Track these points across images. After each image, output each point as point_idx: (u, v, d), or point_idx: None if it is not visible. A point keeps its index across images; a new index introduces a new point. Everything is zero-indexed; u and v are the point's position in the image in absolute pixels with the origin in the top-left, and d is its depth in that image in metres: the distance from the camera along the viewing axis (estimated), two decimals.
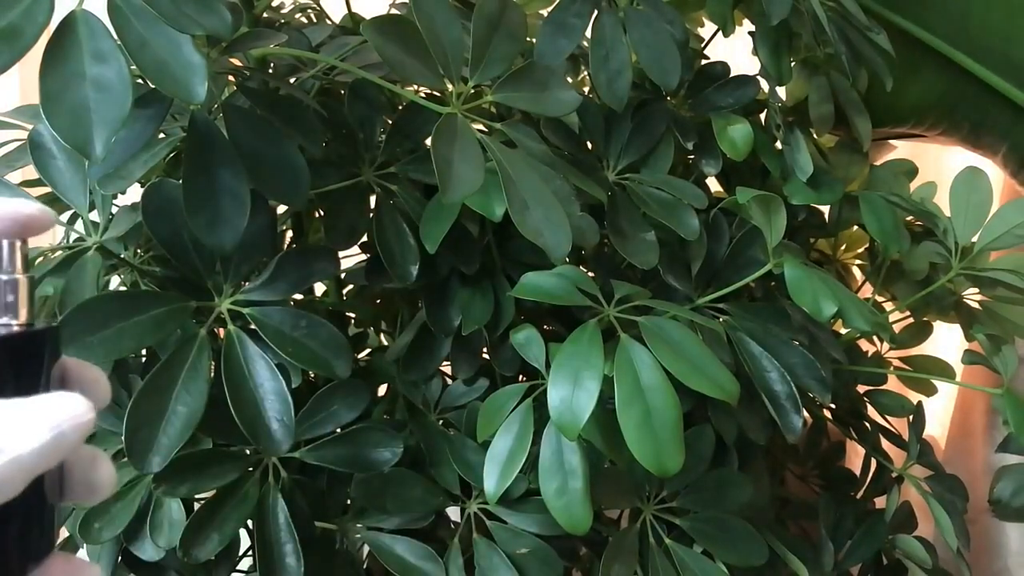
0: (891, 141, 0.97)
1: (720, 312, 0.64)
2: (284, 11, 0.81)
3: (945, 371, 0.85)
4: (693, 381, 0.50)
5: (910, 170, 0.84)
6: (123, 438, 0.48)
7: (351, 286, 0.76)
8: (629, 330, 0.52)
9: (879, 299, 0.81)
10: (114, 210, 0.59)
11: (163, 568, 0.62)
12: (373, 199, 0.61)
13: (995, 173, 0.85)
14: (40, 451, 0.24)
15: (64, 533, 0.69)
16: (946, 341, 1.05)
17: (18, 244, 0.29)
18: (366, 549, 0.65)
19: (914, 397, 0.84)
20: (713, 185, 0.78)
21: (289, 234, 0.70)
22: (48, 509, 0.29)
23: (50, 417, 0.24)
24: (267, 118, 0.53)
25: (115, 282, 0.62)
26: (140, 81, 0.48)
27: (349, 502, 0.63)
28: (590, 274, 0.57)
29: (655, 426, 0.50)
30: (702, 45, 0.80)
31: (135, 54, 0.41)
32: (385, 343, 0.79)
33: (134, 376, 0.63)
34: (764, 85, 0.71)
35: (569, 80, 0.75)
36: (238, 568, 0.65)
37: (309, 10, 0.82)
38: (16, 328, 0.28)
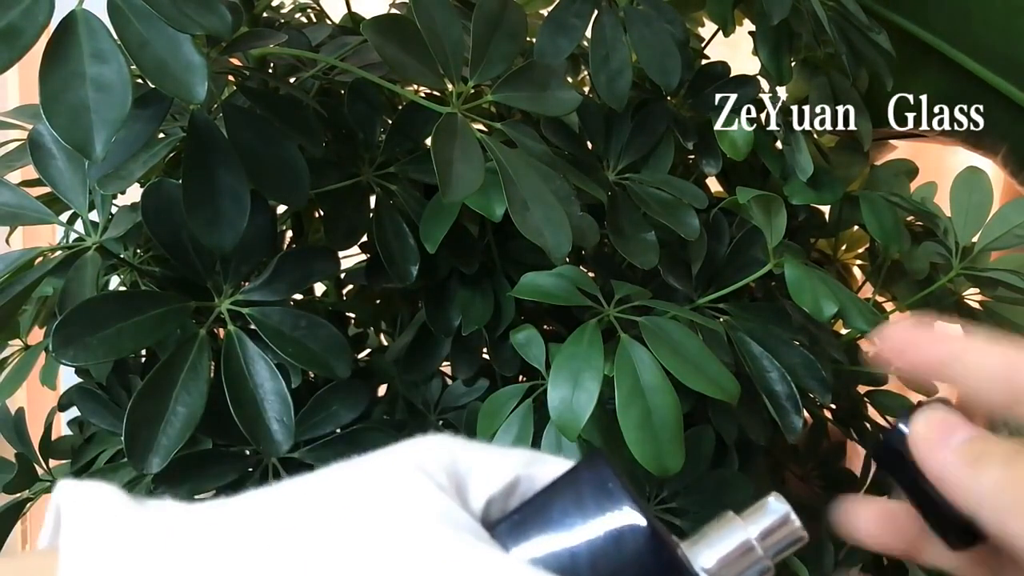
0: (891, 141, 0.97)
1: (720, 312, 0.64)
2: (284, 11, 0.81)
3: None
4: (693, 381, 0.50)
5: (910, 170, 0.84)
6: (123, 438, 0.48)
7: (351, 286, 0.76)
8: (629, 330, 0.52)
9: (879, 299, 0.81)
10: (114, 210, 0.59)
11: None
12: (373, 199, 0.61)
13: (995, 173, 0.85)
14: None
15: None
16: None
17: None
18: None
19: (914, 397, 0.84)
20: (713, 185, 0.78)
21: (289, 234, 0.70)
22: None
23: None
24: (267, 118, 0.53)
25: (115, 282, 0.62)
26: (140, 81, 0.48)
27: None
28: (590, 274, 0.57)
29: (655, 426, 0.50)
30: (702, 45, 0.80)
31: (135, 54, 0.41)
32: (385, 343, 0.79)
33: (134, 376, 0.63)
34: (764, 85, 0.71)
35: (569, 80, 0.75)
36: None
37: (309, 10, 0.82)
38: None
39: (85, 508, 0.23)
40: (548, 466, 0.26)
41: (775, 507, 0.27)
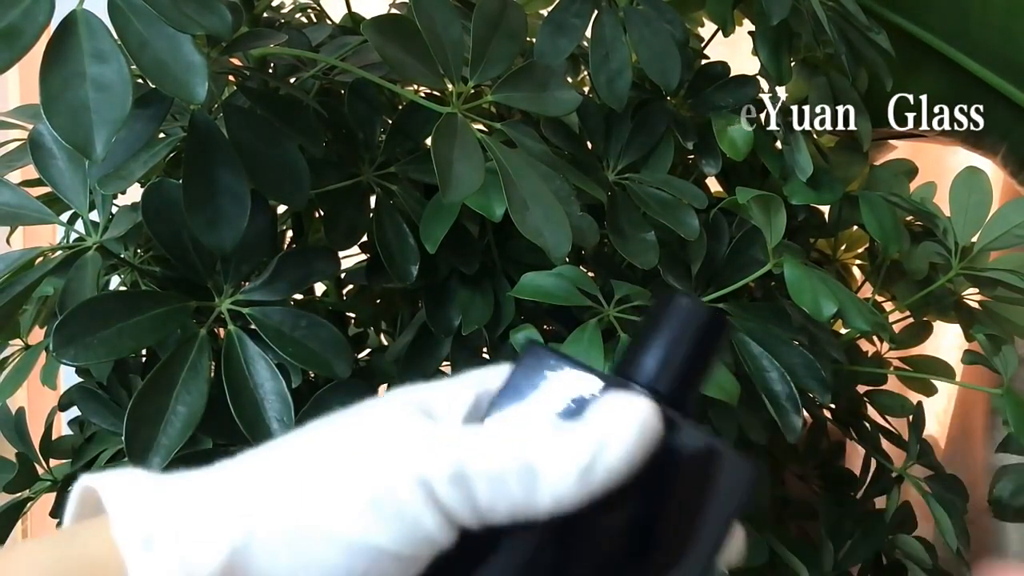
0: (891, 141, 0.97)
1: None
2: (284, 11, 0.81)
3: (945, 371, 0.85)
4: None
5: (910, 170, 0.84)
6: (123, 438, 0.48)
7: (351, 286, 0.76)
8: (629, 330, 0.52)
9: (879, 299, 0.81)
10: (114, 210, 0.59)
11: None
12: (373, 199, 0.61)
13: (995, 173, 0.85)
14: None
15: None
16: (946, 341, 1.05)
17: None
18: None
19: (914, 397, 0.84)
20: (713, 185, 0.78)
21: (289, 234, 0.70)
22: None
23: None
24: (267, 118, 0.53)
25: (115, 282, 0.62)
26: (140, 81, 0.48)
27: None
28: (590, 274, 0.57)
29: None
30: (702, 45, 0.80)
31: (135, 54, 0.41)
32: (385, 343, 0.79)
33: (134, 376, 0.63)
34: (764, 85, 0.71)
35: (569, 80, 0.75)
36: None
37: (309, 10, 0.82)
38: None
39: (119, 482, 0.25)
40: (500, 373, 0.28)
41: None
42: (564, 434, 0.25)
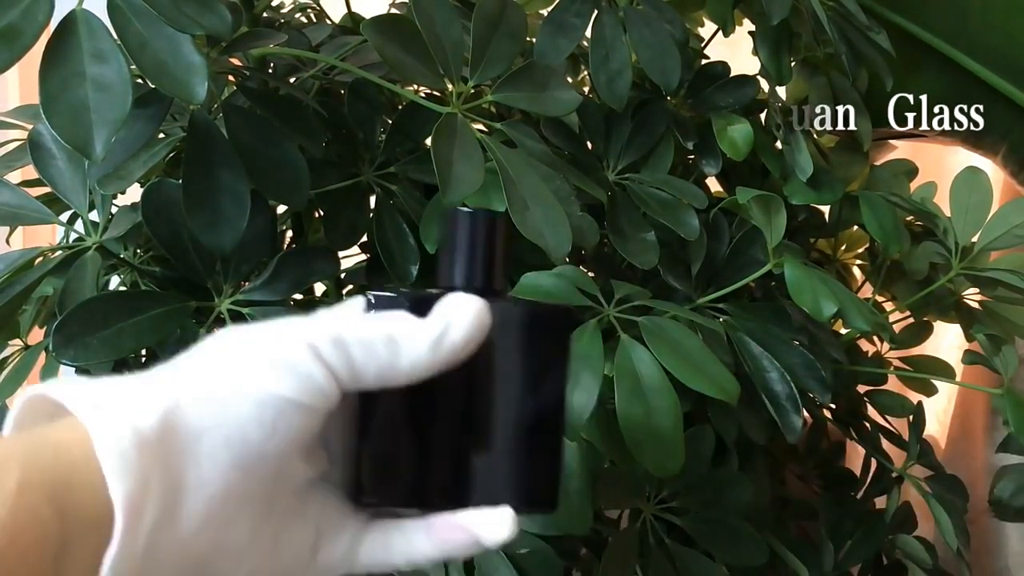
0: (891, 141, 0.97)
1: (720, 312, 0.64)
2: (284, 11, 0.81)
3: (945, 371, 0.85)
4: (693, 381, 0.50)
5: (910, 170, 0.84)
6: None
7: (351, 286, 0.76)
8: (629, 330, 0.52)
9: (879, 299, 0.81)
10: (114, 210, 0.59)
11: None
12: (373, 199, 0.61)
13: (995, 173, 0.85)
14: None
15: None
16: (946, 341, 1.05)
17: None
18: None
19: (914, 397, 0.84)
20: (713, 185, 0.78)
21: (289, 234, 0.70)
22: None
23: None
24: (267, 118, 0.53)
25: (115, 282, 0.62)
26: (140, 81, 0.48)
27: None
28: (590, 274, 0.57)
29: (655, 426, 0.50)
30: (702, 45, 0.80)
31: (135, 54, 0.41)
32: None
33: None
34: (764, 85, 0.71)
35: (569, 80, 0.75)
36: None
37: (309, 10, 0.82)
38: None
39: (60, 382, 0.30)
40: (350, 309, 0.34)
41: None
42: (419, 320, 0.32)
